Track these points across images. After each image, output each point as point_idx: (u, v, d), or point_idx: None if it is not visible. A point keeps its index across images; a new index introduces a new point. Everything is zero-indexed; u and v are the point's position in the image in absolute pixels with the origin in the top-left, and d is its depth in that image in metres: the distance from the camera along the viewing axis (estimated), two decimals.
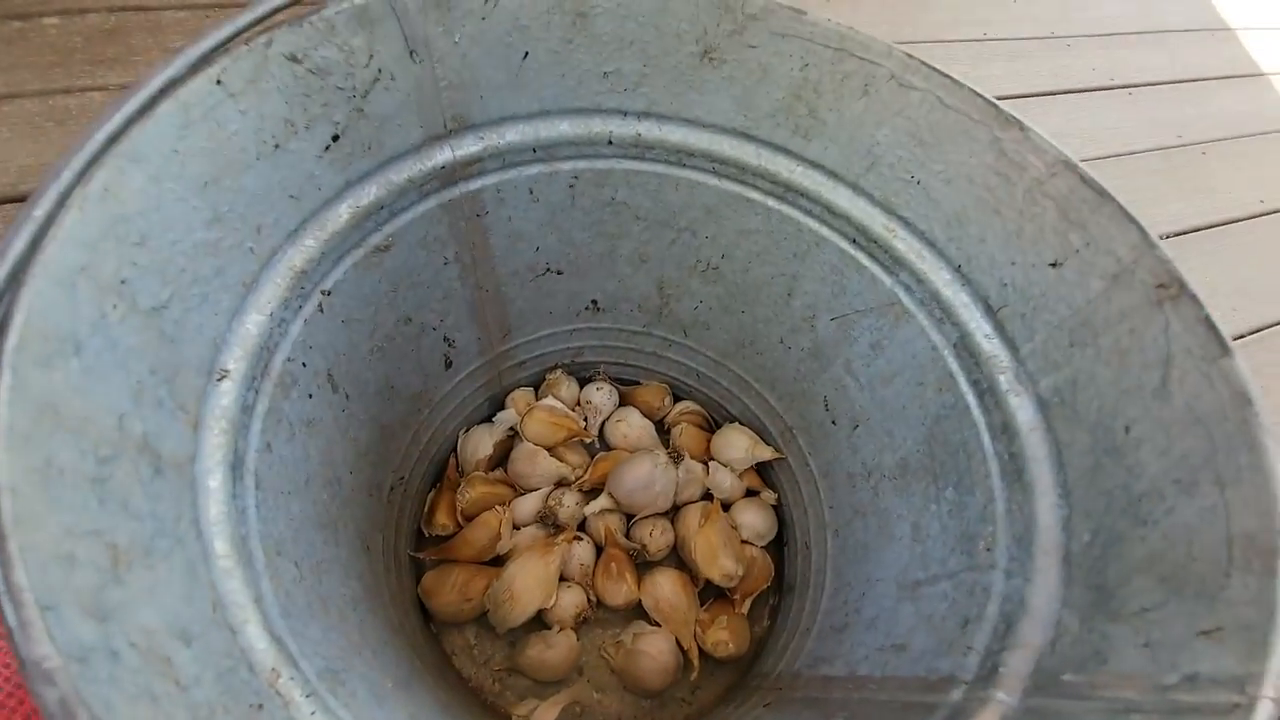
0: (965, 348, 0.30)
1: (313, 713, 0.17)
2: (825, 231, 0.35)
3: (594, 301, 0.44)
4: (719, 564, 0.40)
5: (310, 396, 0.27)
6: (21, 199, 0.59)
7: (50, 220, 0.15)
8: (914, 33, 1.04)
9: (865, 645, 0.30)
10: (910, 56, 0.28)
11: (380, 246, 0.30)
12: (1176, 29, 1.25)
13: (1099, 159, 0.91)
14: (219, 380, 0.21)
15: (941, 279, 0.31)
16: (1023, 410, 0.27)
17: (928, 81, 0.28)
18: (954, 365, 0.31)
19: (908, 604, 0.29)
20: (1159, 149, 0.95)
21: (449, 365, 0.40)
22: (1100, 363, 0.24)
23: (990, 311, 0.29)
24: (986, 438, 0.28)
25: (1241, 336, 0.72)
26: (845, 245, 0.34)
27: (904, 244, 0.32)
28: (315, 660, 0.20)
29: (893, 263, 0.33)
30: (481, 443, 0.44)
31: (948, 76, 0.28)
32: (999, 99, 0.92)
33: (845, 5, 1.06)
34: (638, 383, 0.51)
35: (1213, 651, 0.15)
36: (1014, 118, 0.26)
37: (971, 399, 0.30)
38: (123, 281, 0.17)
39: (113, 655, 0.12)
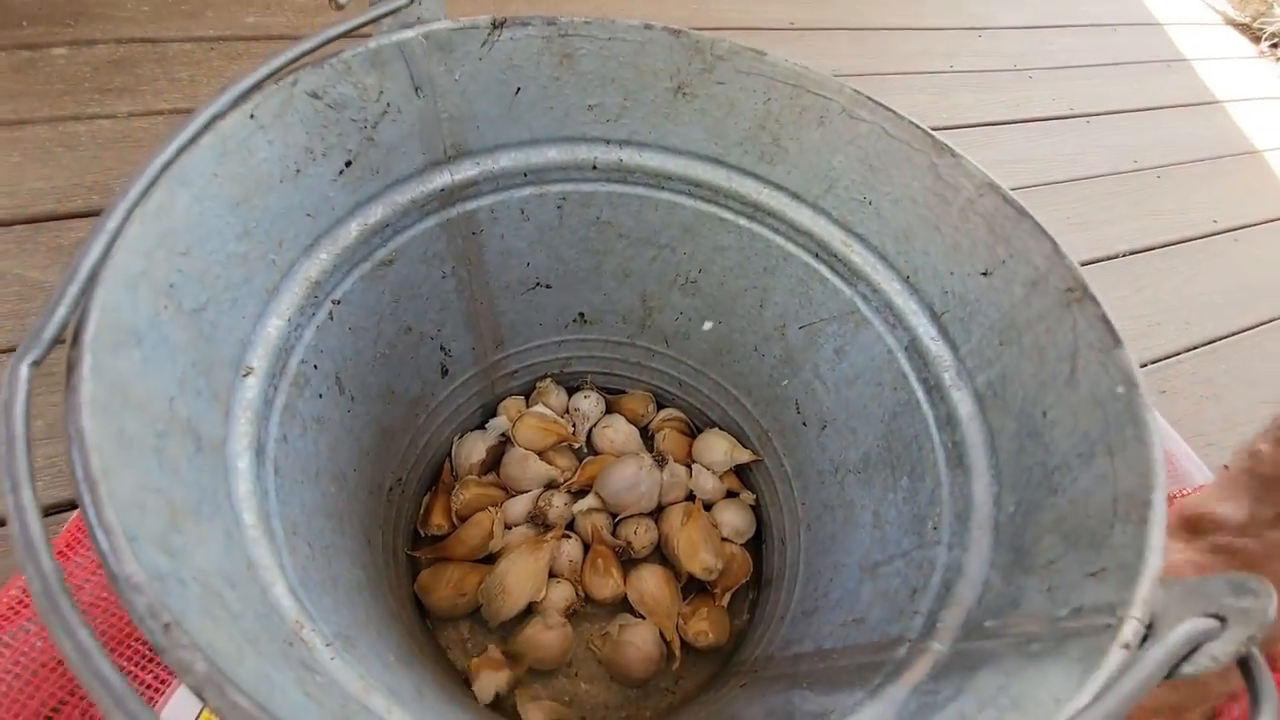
0: (915, 350, 0.33)
1: (332, 658, 0.19)
2: (791, 247, 0.38)
3: (581, 314, 0.47)
4: (700, 559, 0.43)
5: (320, 396, 0.30)
6: (33, 220, 0.61)
7: (119, 232, 0.17)
8: (884, 65, 1.10)
9: (831, 623, 0.32)
10: (858, 92, 0.32)
11: (385, 261, 0.33)
12: (1133, 60, 1.33)
13: (1059, 183, 0.96)
14: (245, 376, 0.24)
15: (893, 288, 0.34)
16: (963, 403, 0.30)
17: (873, 114, 0.32)
18: (906, 366, 0.34)
19: (868, 583, 0.32)
20: (1116, 173, 1.01)
21: (445, 373, 0.43)
22: (1024, 358, 0.27)
23: (935, 316, 0.32)
24: (934, 429, 0.31)
25: (1193, 349, 0.77)
26: (809, 259, 0.38)
27: (860, 258, 0.35)
28: (330, 624, 0.22)
29: (851, 275, 0.36)
30: (475, 448, 0.47)
31: (890, 110, 0.31)
32: (964, 127, 0.99)
33: (821, 39, 1.12)
34: (624, 391, 0.54)
35: (1096, 587, 0.18)
36: (947, 146, 0.30)
37: (921, 395, 0.33)
38: (171, 285, 0.20)
39: (181, 582, 0.14)
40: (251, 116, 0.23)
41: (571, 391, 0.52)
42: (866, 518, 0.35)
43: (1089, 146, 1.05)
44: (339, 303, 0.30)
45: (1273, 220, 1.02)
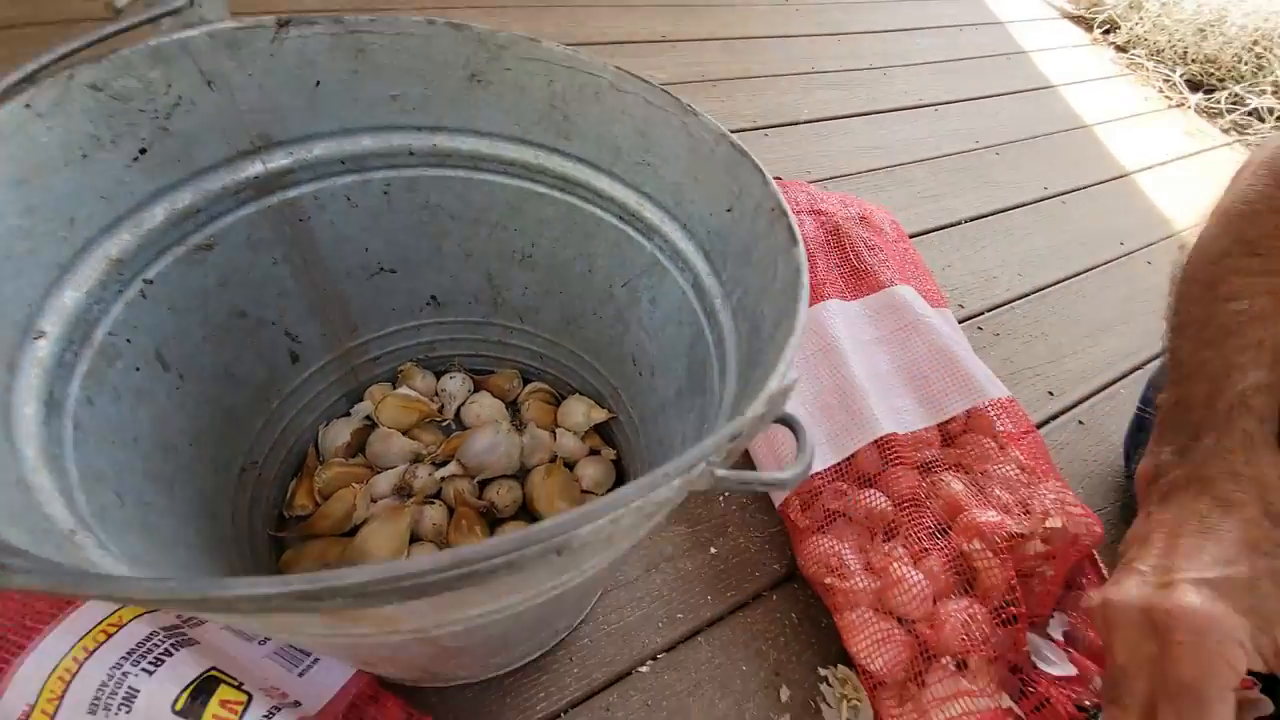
0: (698, 286, 0.38)
1: (103, 557, 0.21)
2: (600, 213, 0.43)
3: (433, 297, 0.50)
4: (556, 506, 0.46)
5: (137, 370, 0.32)
6: None
7: None
8: (753, 69, 1.19)
9: None
10: (619, 69, 0.37)
11: (202, 245, 0.35)
12: (977, 55, 1.48)
13: (910, 163, 1.06)
14: (36, 339, 0.26)
15: (678, 236, 0.39)
16: (726, 323, 0.35)
17: (634, 87, 0.37)
18: (694, 302, 0.39)
19: None
20: (960, 152, 1.12)
21: (296, 359, 0.45)
22: (754, 272, 0.32)
23: (706, 255, 0.37)
24: (712, 349, 0.36)
25: (1025, 296, 0.86)
26: (616, 222, 0.42)
27: (651, 214, 0.40)
28: (125, 551, 0.24)
29: (648, 230, 0.41)
30: (339, 432, 0.49)
31: (647, 81, 0.36)
32: (827, 119, 1.11)
33: (693, 48, 1.21)
34: (492, 371, 0.57)
35: (755, 390, 0.22)
36: (689, 106, 0.35)
37: (705, 324, 0.38)
38: None
39: None
40: (27, 106, 0.26)
41: (440, 375, 0.55)
42: (678, 440, 0.39)
43: (937, 131, 1.17)
44: (151, 282, 0.33)
45: (1097, 184, 1.16)
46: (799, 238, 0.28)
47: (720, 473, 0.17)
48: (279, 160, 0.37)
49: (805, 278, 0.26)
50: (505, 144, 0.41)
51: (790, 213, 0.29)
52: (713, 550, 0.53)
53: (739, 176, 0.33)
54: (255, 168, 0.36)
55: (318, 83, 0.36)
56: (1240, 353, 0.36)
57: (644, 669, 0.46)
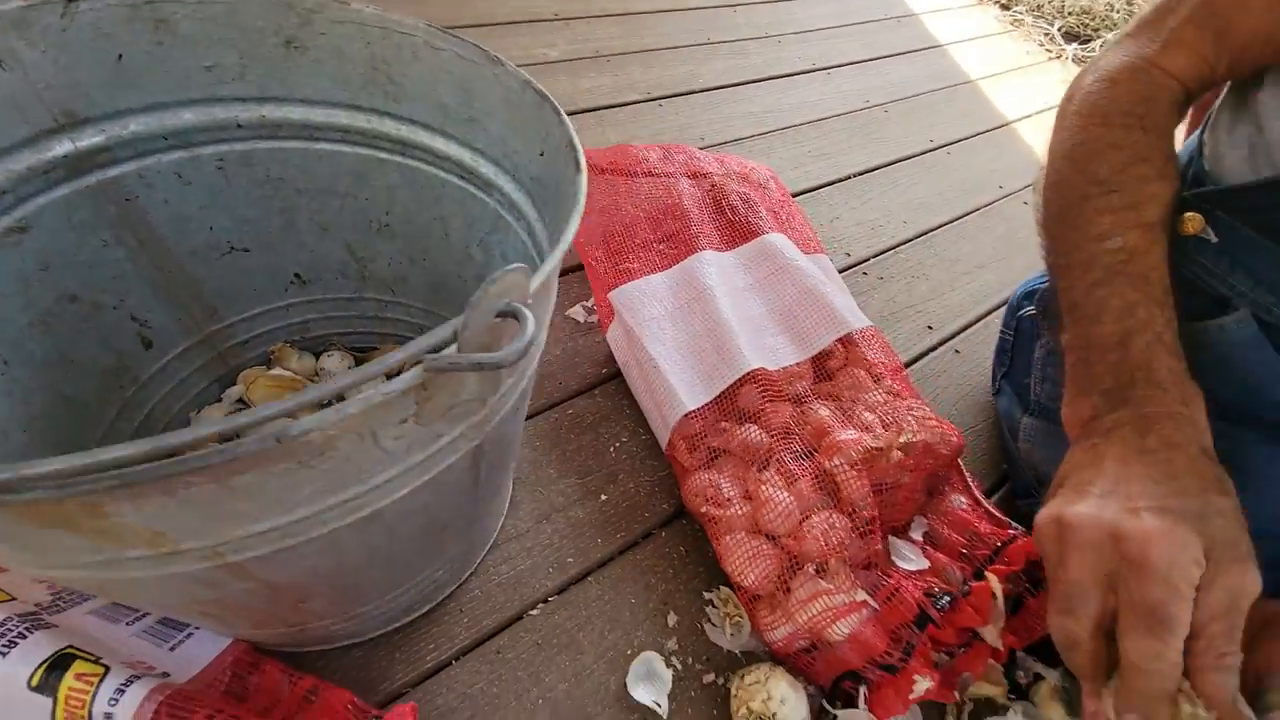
0: (531, 234, 0.40)
1: None
2: (442, 174, 0.44)
3: (297, 274, 0.50)
4: None
5: None
6: None
7: None
8: (647, 43, 1.21)
9: None
10: (430, 26, 0.38)
11: (15, 228, 0.35)
12: (867, 20, 1.53)
13: (802, 124, 1.10)
14: None
15: (511, 188, 0.41)
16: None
17: (446, 43, 0.38)
18: (531, 250, 0.40)
19: None
20: (849, 112, 1.17)
21: (149, 345, 0.45)
22: (560, 207, 0.34)
23: (535, 202, 0.39)
24: None
25: (909, 241, 0.91)
26: (458, 181, 0.44)
27: (487, 169, 0.42)
28: None
29: (487, 186, 0.42)
30: (211, 419, 0.48)
31: (456, 37, 0.37)
32: (723, 87, 1.15)
33: (586, 25, 1.21)
34: (375, 348, 0.57)
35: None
36: (496, 57, 0.37)
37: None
38: None
39: None
40: None
41: (319, 355, 0.55)
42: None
43: (829, 94, 1.21)
44: None
45: (979, 134, 1.23)
46: (583, 167, 0.30)
47: (429, 357, 0.19)
48: (90, 138, 0.37)
49: (582, 203, 0.28)
50: (336, 111, 0.42)
51: (579, 146, 0.31)
52: (603, 497, 0.55)
53: (544, 120, 0.35)
54: (63, 146, 0.36)
55: (119, 56, 0.36)
56: (1132, 289, 0.38)
57: (535, 612, 0.48)
